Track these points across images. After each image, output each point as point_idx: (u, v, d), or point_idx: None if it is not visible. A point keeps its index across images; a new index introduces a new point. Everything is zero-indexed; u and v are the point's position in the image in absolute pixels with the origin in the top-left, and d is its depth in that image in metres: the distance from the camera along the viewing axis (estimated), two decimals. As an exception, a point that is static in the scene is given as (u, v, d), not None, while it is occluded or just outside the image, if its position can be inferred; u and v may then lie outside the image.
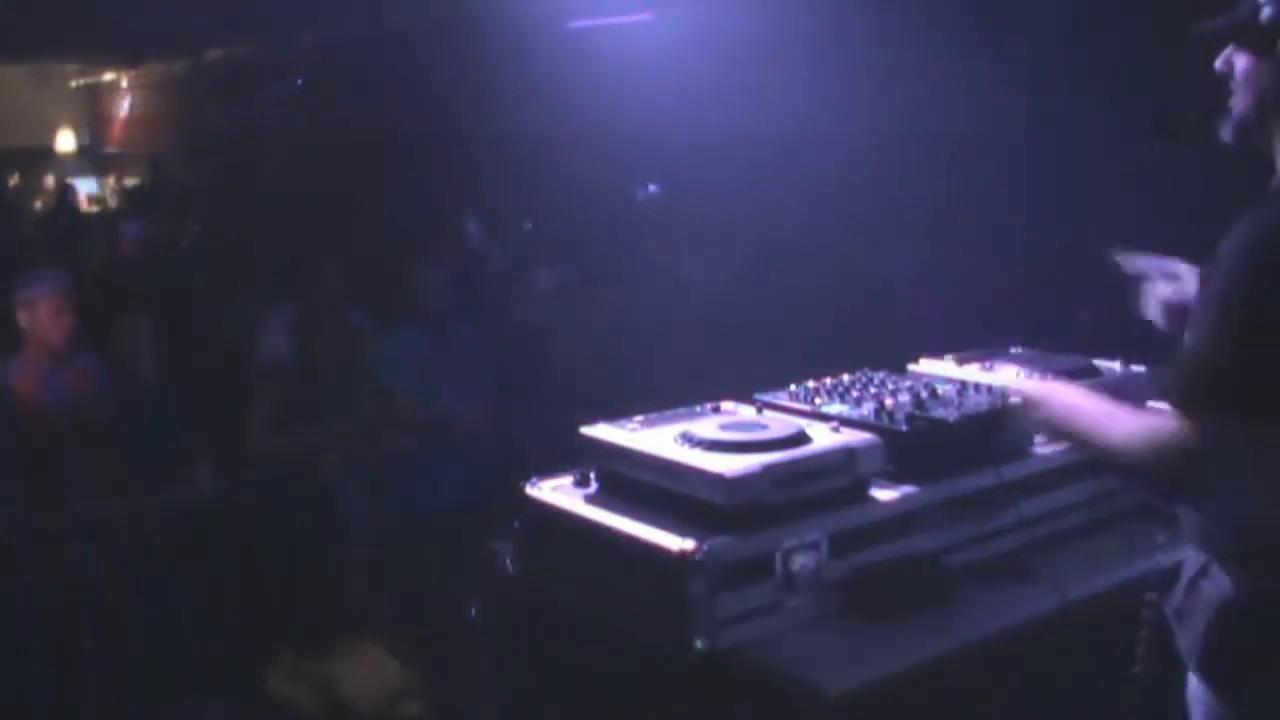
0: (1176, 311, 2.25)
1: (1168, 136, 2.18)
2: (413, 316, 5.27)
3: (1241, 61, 1.97)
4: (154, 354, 5.00)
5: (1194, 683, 2.11)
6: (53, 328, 4.45)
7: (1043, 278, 5.46)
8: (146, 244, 8.35)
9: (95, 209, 14.67)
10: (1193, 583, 2.01)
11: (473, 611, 3.45)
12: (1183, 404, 1.87)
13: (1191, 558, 2.05)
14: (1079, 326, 4.94)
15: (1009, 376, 2.93)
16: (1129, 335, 2.77)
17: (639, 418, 2.61)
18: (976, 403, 2.72)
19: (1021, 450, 2.74)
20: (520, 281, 6.40)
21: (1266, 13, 1.91)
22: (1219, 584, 1.95)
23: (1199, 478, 1.88)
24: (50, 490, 4.31)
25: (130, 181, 15.44)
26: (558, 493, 2.57)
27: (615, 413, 2.65)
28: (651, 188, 6.95)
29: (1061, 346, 3.27)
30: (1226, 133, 2.03)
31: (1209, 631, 1.94)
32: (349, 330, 5.19)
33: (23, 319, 4.45)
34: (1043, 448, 2.79)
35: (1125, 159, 5.01)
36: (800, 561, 2.31)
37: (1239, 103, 1.99)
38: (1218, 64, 2.01)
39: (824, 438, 2.47)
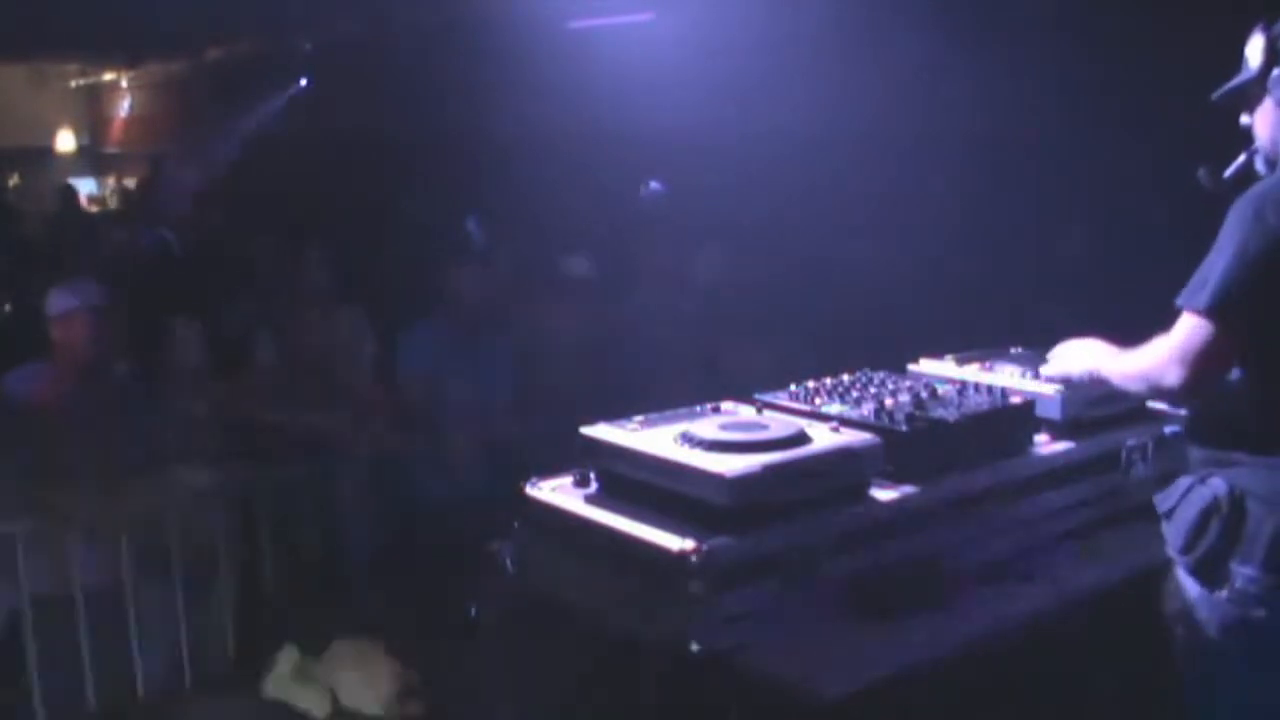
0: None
1: (1215, 186, 2.55)
2: (441, 315, 5.22)
3: (1254, 113, 2.46)
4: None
5: (1177, 571, 2.42)
6: (87, 345, 4.26)
7: (1044, 277, 5.46)
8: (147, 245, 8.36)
9: (95, 209, 14.66)
10: (1190, 488, 2.38)
11: (473, 611, 3.45)
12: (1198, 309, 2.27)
13: (1189, 476, 2.42)
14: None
15: (1009, 376, 2.93)
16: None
17: (639, 418, 2.61)
18: (976, 403, 2.72)
19: (1021, 450, 2.75)
20: (524, 283, 6.39)
21: (1244, 78, 2.45)
22: (1214, 487, 2.32)
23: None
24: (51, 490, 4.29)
25: (130, 181, 15.42)
26: (558, 493, 2.57)
27: (615, 413, 2.65)
28: (654, 184, 6.95)
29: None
30: (1262, 166, 2.45)
31: (1193, 525, 2.34)
32: (325, 322, 5.13)
33: (56, 333, 4.26)
34: (1043, 448, 2.79)
35: (1128, 161, 5.02)
36: (800, 561, 2.31)
37: (1265, 140, 2.44)
38: (1241, 121, 2.50)
39: (824, 438, 2.47)
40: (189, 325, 4.80)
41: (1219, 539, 2.29)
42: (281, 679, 4.34)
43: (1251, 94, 2.45)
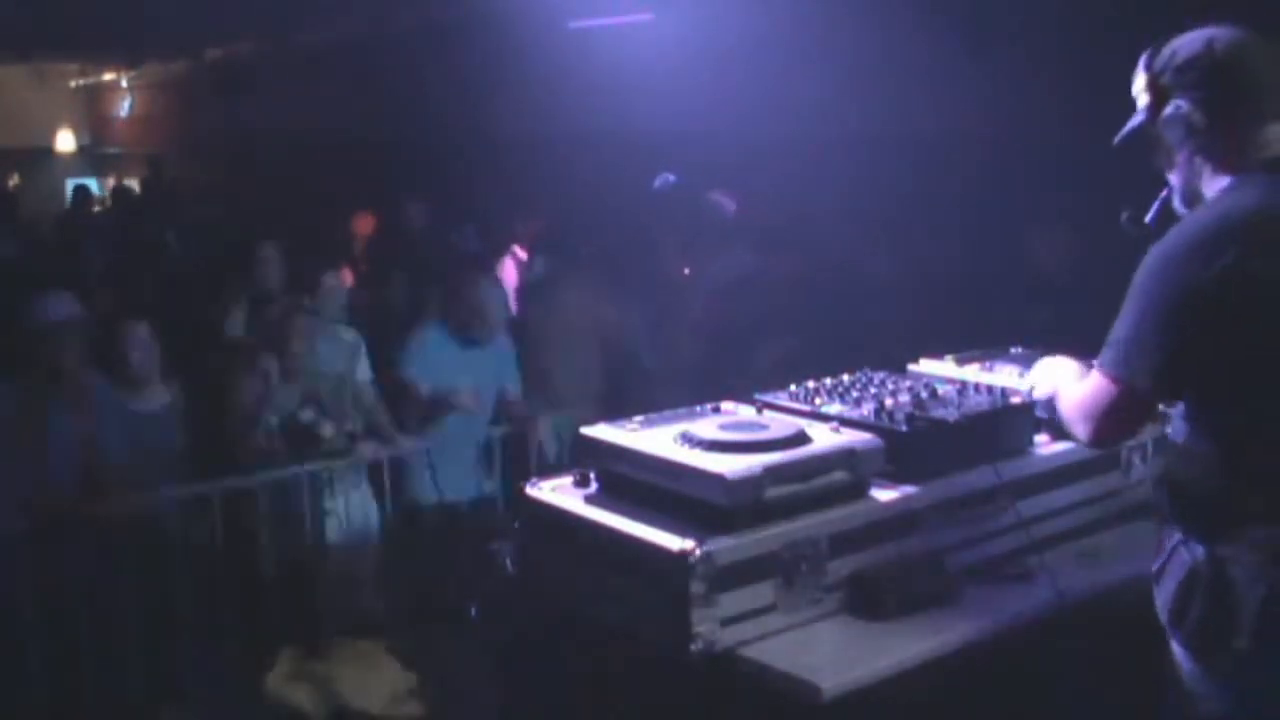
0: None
1: (1139, 231, 2.42)
2: (446, 319, 5.21)
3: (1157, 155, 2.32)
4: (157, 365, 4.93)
5: (1173, 645, 2.27)
6: (63, 357, 4.33)
7: (1044, 278, 5.45)
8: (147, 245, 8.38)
9: (96, 209, 14.65)
10: (1174, 550, 2.22)
11: (473, 611, 3.45)
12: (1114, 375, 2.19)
13: (1171, 531, 2.25)
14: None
15: (1009, 376, 2.93)
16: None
17: (639, 418, 2.61)
18: (976, 403, 2.72)
19: (1021, 450, 2.74)
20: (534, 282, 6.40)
21: (1137, 121, 2.33)
22: (1193, 552, 2.17)
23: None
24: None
25: (131, 181, 15.43)
26: (558, 493, 2.57)
27: (615, 413, 2.65)
28: (669, 177, 6.97)
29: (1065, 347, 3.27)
30: (1179, 207, 2.30)
31: (1177, 595, 2.19)
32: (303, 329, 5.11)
33: (36, 346, 4.32)
34: (1043, 448, 2.79)
35: (1134, 162, 5.01)
36: (800, 561, 2.31)
37: (1175, 181, 2.30)
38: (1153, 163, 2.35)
39: (824, 438, 2.47)
40: (139, 326, 4.81)
41: (1205, 610, 2.15)
42: (281, 679, 4.34)
43: (1149, 135, 2.31)
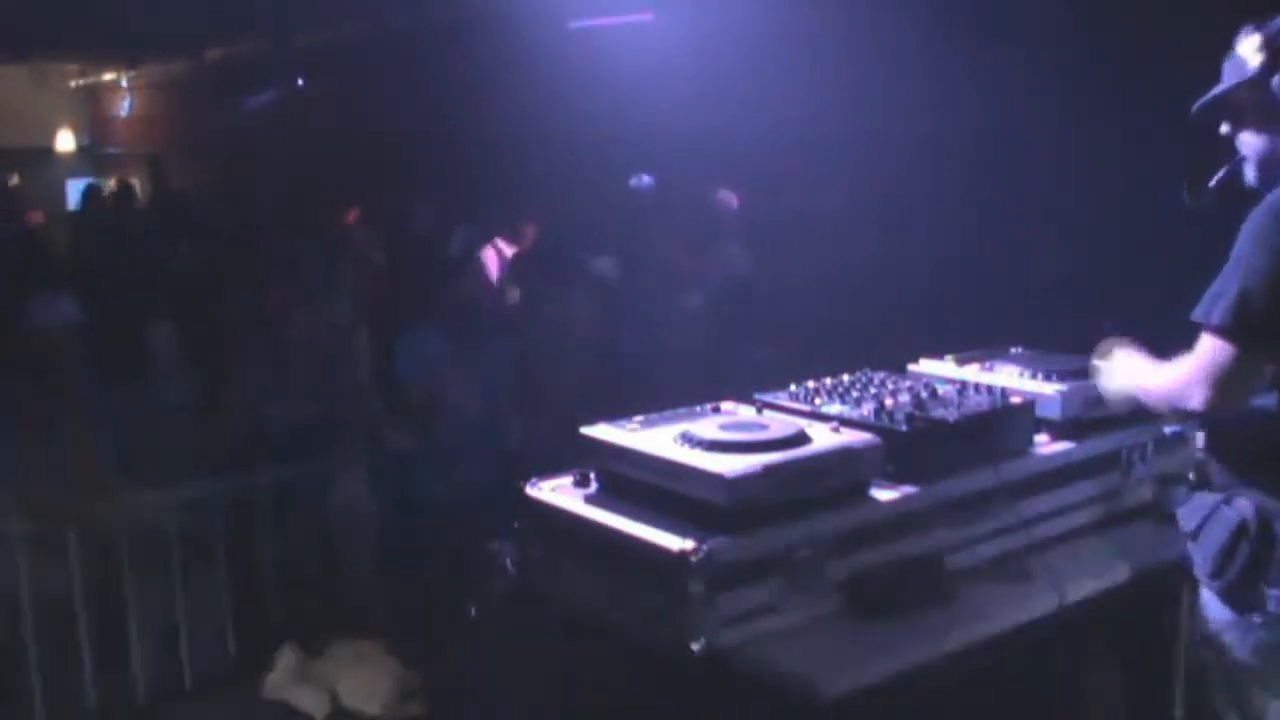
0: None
1: (1202, 199, 2.46)
2: (439, 318, 5.23)
3: (1243, 120, 2.34)
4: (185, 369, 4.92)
5: (1204, 594, 2.39)
6: (63, 360, 4.34)
7: (1045, 278, 5.46)
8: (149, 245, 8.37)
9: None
10: (1216, 507, 2.33)
11: (473, 611, 3.45)
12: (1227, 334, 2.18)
13: (1213, 492, 2.37)
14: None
15: (1009, 376, 2.93)
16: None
17: (639, 418, 2.61)
18: (976, 403, 2.72)
19: (1021, 450, 2.74)
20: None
21: (1235, 81, 2.33)
22: (1241, 509, 2.28)
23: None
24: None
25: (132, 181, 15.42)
26: (558, 493, 2.57)
27: (615, 413, 2.65)
28: (645, 178, 6.97)
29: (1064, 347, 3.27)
30: (1252, 177, 2.35)
31: (1222, 549, 2.29)
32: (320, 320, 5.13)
33: (32, 348, 4.32)
34: (1043, 448, 2.79)
35: (1138, 162, 5.01)
36: (800, 561, 2.31)
37: (1262, 147, 2.33)
38: (1222, 130, 2.39)
39: (824, 438, 2.47)
40: (163, 326, 4.79)
41: (1249, 562, 2.25)
42: (281, 679, 4.34)
43: (1240, 99, 2.32)
